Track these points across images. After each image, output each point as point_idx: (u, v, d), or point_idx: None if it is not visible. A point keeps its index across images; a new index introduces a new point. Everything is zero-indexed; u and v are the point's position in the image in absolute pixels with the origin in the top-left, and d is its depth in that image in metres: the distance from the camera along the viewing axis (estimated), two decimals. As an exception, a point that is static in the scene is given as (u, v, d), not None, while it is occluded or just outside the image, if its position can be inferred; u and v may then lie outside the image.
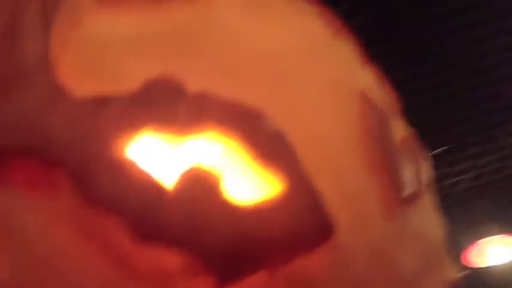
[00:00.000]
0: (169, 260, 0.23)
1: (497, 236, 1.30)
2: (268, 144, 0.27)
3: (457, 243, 1.23)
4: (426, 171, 0.38)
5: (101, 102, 0.25)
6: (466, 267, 1.29)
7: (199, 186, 0.24)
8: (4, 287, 0.21)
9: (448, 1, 0.85)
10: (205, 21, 0.33)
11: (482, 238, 1.27)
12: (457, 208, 1.17)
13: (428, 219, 0.36)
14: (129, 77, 0.28)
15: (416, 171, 0.36)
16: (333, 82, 0.36)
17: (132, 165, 0.23)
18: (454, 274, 0.36)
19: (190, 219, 0.23)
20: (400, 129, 0.39)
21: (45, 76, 0.25)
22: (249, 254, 0.24)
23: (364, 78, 0.39)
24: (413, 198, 0.35)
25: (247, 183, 0.26)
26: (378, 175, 0.32)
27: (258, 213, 0.25)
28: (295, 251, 0.25)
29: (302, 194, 0.26)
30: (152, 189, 0.23)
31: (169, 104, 0.26)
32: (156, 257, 0.23)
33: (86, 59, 0.28)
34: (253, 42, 0.34)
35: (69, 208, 0.23)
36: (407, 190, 0.34)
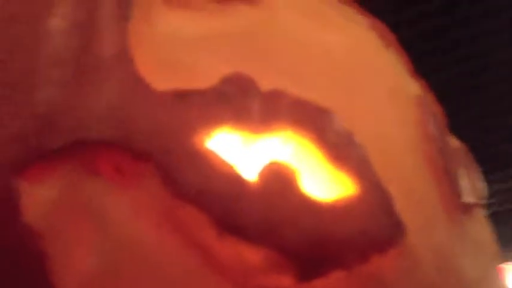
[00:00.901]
0: (251, 254, 0.23)
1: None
2: (340, 144, 0.27)
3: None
4: (480, 184, 0.38)
5: (181, 96, 0.25)
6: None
7: (278, 182, 0.24)
8: (92, 273, 0.21)
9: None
10: (270, 25, 0.33)
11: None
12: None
13: (483, 230, 0.36)
14: (203, 74, 0.28)
15: (472, 181, 0.36)
16: (390, 89, 0.36)
17: (215, 158, 0.23)
18: None
19: (271, 213, 0.23)
20: (451, 140, 0.39)
21: (124, 69, 0.25)
22: (328, 250, 0.24)
23: (415, 88, 0.40)
24: (470, 207, 0.34)
25: (321, 181, 0.26)
26: (439, 180, 0.33)
27: (335, 211, 0.25)
28: (369, 251, 0.25)
29: (374, 195, 0.26)
30: (234, 182, 0.23)
31: (244, 102, 0.26)
32: (237, 250, 0.23)
33: (159, 56, 0.28)
34: (314, 46, 0.35)
35: (154, 199, 0.23)
36: (466, 198, 0.33)
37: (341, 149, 0.27)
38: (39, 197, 0.22)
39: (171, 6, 0.32)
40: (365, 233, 0.25)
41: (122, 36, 0.27)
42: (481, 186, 0.38)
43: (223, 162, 0.24)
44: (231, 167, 0.24)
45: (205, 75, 0.28)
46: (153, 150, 0.23)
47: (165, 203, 0.23)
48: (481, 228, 0.36)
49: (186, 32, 0.31)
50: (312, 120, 0.28)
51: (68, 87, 0.25)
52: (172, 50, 0.29)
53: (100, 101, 0.24)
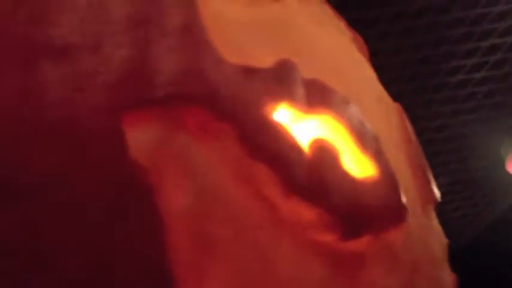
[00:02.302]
0: (307, 212, 0.27)
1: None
2: (362, 132, 0.32)
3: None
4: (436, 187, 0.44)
5: (249, 72, 0.28)
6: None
7: (327, 155, 0.28)
8: (188, 209, 0.24)
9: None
10: (290, 21, 0.38)
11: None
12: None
13: (438, 225, 0.43)
14: (252, 56, 0.31)
15: (434, 183, 0.43)
16: (377, 96, 0.41)
17: (281, 128, 0.27)
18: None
19: (324, 180, 0.27)
20: None
21: (199, 36, 0.28)
22: (364, 217, 0.28)
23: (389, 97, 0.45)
24: (435, 203, 0.41)
25: (349, 161, 0.31)
26: (416, 175, 0.38)
27: (365, 187, 0.30)
28: (389, 223, 0.30)
29: (389, 178, 0.32)
30: (297, 150, 0.27)
31: (295, 85, 0.30)
32: (297, 208, 0.27)
33: (216, 34, 0.31)
34: (321, 46, 0.39)
35: (233, 155, 0.26)
36: (437, 195, 0.40)
37: (364, 136, 0.32)
38: (140, 140, 0.24)
39: None
40: (387, 208, 0.30)
41: (192, 8, 0.30)
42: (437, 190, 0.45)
43: (287, 132, 0.28)
44: (293, 137, 0.28)
45: (254, 57, 0.31)
46: (234, 114, 0.26)
47: (241, 160, 0.26)
48: (437, 223, 0.43)
49: (230, 16, 0.34)
50: (343, 108, 0.32)
51: (150, 49, 0.27)
52: (224, 30, 0.32)
53: (182, 63, 0.27)
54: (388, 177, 0.32)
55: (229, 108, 0.27)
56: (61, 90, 0.25)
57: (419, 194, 0.39)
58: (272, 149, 0.27)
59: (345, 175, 0.29)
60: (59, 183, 0.24)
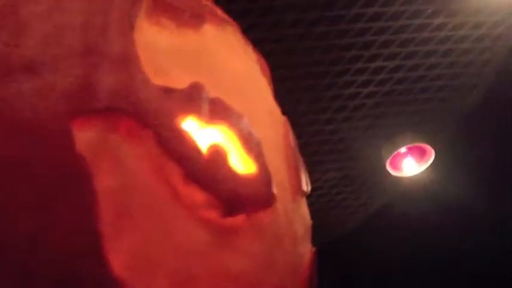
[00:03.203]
0: (199, 195, 0.38)
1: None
2: (249, 138, 0.44)
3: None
4: (308, 180, 0.57)
5: (167, 91, 0.39)
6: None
7: (219, 155, 0.40)
8: (114, 190, 0.34)
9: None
10: (207, 49, 0.49)
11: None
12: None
13: (307, 210, 0.56)
14: (172, 79, 0.42)
15: (306, 177, 0.55)
16: (269, 108, 0.54)
17: (187, 134, 0.38)
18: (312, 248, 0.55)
19: (215, 173, 0.39)
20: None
21: (134, 63, 0.38)
22: (242, 201, 0.40)
23: (278, 108, 0.58)
24: (304, 193, 0.54)
25: (236, 160, 0.43)
26: (290, 172, 0.51)
27: (246, 180, 0.41)
28: (260, 206, 0.42)
29: (264, 174, 0.44)
30: (197, 151, 0.39)
31: (201, 103, 0.41)
32: (192, 193, 0.38)
33: (146, 59, 0.41)
34: (230, 69, 0.50)
35: (151, 153, 0.37)
36: (304, 187, 0.52)
37: (250, 142, 0.44)
38: (84, 139, 0.35)
39: (150, 23, 0.45)
40: (259, 196, 0.42)
41: (130, 39, 0.40)
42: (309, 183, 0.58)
43: (191, 138, 0.39)
44: (195, 142, 0.39)
45: (175, 79, 0.42)
46: (154, 123, 0.37)
47: (157, 157, 0.37)
48: (305, 209, 0.56)
49: (160, 45, 0.45)
50: (236, 120, 0.44)
51: (95, 71, 0.37)
52: (153, 57, 0.43)
53: (118, 83, 0.38)
54: (263, 174, 0.44)
55: (151, 118, 0.38)
56: (29, 97, 0.35)
57: (291, 187, 0.51)
58: (179, 150, 0.38)
59: (230, 171, 0.41)
60: (21, 162, 0.34)
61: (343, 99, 1.17)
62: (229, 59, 0.53)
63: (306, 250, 0.52)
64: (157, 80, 0.41)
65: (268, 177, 0.45)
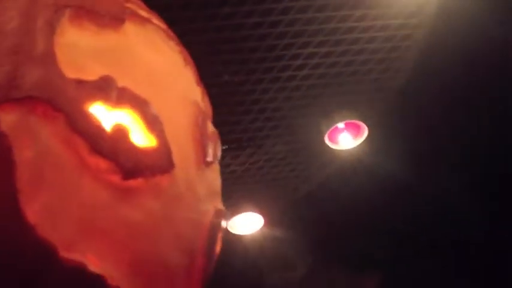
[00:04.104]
0: (102, 163, 0.49)
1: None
2: (152, 120, 0.54)
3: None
4: (219, 152, 0.68)
5: (80, 83, 0.50)
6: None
7: (121, 132, 0.51)
8: (31, 158, 0.45)
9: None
10: (126, 46, 0.59)
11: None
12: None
13: (216, 177, 0.66)
14: (88, 72, 0.52)
15: (215, 150, 0.66)
16: (183, 95, 0.64)
17: (93, 115, 0.49)
18: (221, 208, 0.65)
19: (116, 145, 0.49)
20: (211, 126, 0.68)
21: (51, 61, 0.49)
22: (137, 168, 0.51)
23: (197, 94, 0.68)
24: (211, 163, 0.64)
25: (140, 137, 0.53)
26: (196, 146, 0.61)
27: (147, 152, 0.52)
28: (157, 172, 0.53)
29: (165, 147, 0.54)
30: (101, 128, 0.49)
31: (110, 91, 0.52)
32: (97, 161, 0.49)
33: (66, 57, 0.52)
34: (147, 62, 0.60)
35: (63, 131, 0.47)
36: (209, 158, 0.63)
37: (152, 122, 0.54)
38: (8, 120, 0.45)
39: (73, 26, 0.55)
40: (157, 164, 0.53)
41: (51, 39, 0.50)
42: (219, 154, 0.68)
43: (97, 119, 0.49)
44: (100, 121, 0.50)
45: (91, 73, 0.52)
46: (65, 107, 0.48)
47: (68, 134, 0.48)
48: (215, 176, 0.66)
49: (81, 44, 0.55)
50: (141, 105, 0.54)
51: (20, 67, 0.47)
52: (72, 54, 0.53)
53: (38, 76, 0.48)
54: (163, 147, 0.55)
55: (63, 104, 0.48)
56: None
57: (196, 158, 0.62)
58: (85, 128, 0.49)
59: (130, 145, 0.51)
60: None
61: (282, 81, 1.28)
62: (147, 53, 0.63)
63: (209, 208, 0.63)
64: (73, 74, 0.51)
65: (167, 149, 0.56)
